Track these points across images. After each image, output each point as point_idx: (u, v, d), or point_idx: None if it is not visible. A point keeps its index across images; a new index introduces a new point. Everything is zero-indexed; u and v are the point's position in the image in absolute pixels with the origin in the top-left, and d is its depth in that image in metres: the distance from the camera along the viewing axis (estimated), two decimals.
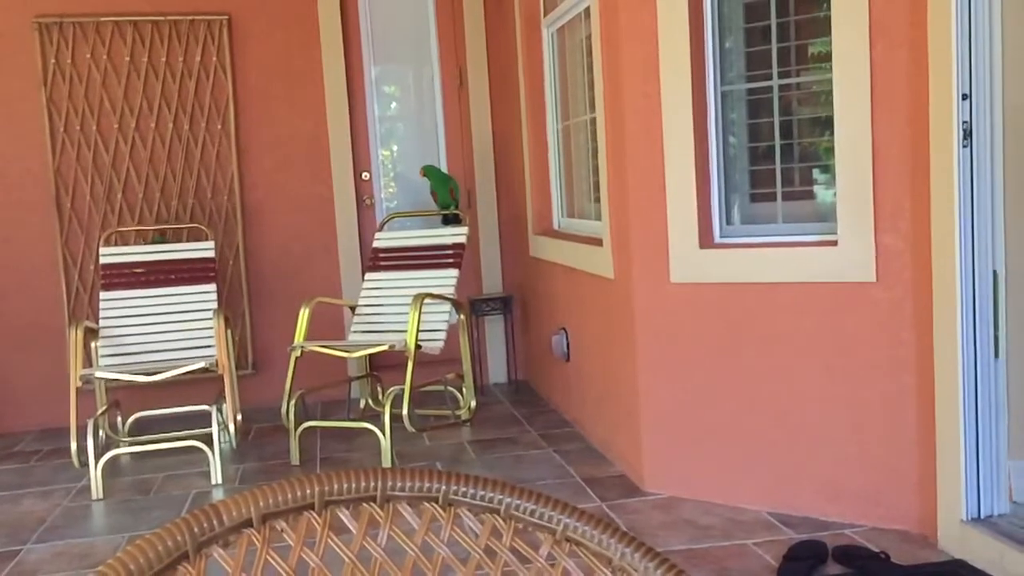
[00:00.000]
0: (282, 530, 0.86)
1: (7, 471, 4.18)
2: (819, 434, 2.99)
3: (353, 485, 0.89)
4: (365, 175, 5.25)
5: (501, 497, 0.92)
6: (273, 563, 0.84)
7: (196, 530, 0.82)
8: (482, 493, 0.92)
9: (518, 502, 0.92)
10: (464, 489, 0.92)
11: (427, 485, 0.91)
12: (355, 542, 0.88)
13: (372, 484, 0.89)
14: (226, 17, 4.93)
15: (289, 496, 0.86)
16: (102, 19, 4.80)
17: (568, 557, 0.92)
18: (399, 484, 0.90)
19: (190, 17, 4.89)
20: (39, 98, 4.78)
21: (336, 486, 0.88)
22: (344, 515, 0.89)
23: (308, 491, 0.87)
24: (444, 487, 0.91)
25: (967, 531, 2.58)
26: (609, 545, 0.91)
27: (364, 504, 0.89)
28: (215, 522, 0.83)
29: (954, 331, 2.57)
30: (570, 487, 3.49)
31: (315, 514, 0.87)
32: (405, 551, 0.90)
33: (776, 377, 3.06)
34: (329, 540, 0.87)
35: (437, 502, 0.91)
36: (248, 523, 0.84)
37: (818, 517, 3.00)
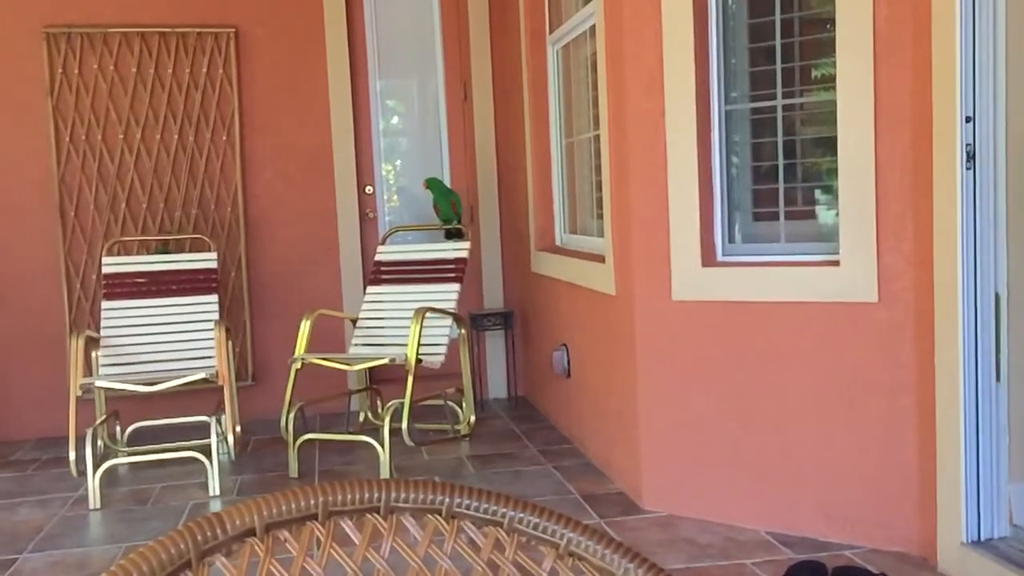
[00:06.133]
0: (285, 540, 0.86)
1: (4, 479, 4.17)
2: (819, 454, 2.98)
3: (357, 496, 0.89)
4: (368, 188, 5.26)
5: (504, 510, 0.92)
6: (276, 573, 0.83)
7: (199, 538, 0.82)
8: (485, 506, 0.92)
9: (521, 515, 0.92)
10: (467, 502, 0.92)
11: (431, 497, 0.91)
12: (358, 553, 0.88)
13: (376, 495, 0.89)
14: (233, 30, 4.96)
15: (293, 506, 0.86)
16: (110, 30, 4.83)
17: (571, 571, 0.92)
18: (403, 495, 0.90)
19: (197, 29, 4.91)
20: (45, 107, 4.80)
21: (340, 497, 0.88)
22: (347, 526, 0.89)
23: (312, 501, 0.87)
24: (448, 499, 0.91)
25: (967, 554, 2.57)
26: (612, 560, 0.91)
27: (367, 515, 0.89)
28: (218, 531, 0.83)
29: (956, 353, 2.57)
30: (568, 503, 3.48)
31: (318, 524, 0.87)
32: (408, 563, 0.90)
33: (777, 396, 3.06)
34: (332, 551, 0.87)
35: (440, 514, 0.91)
36: (251, 532, 0.84)
37: (817, 537, 2.99)
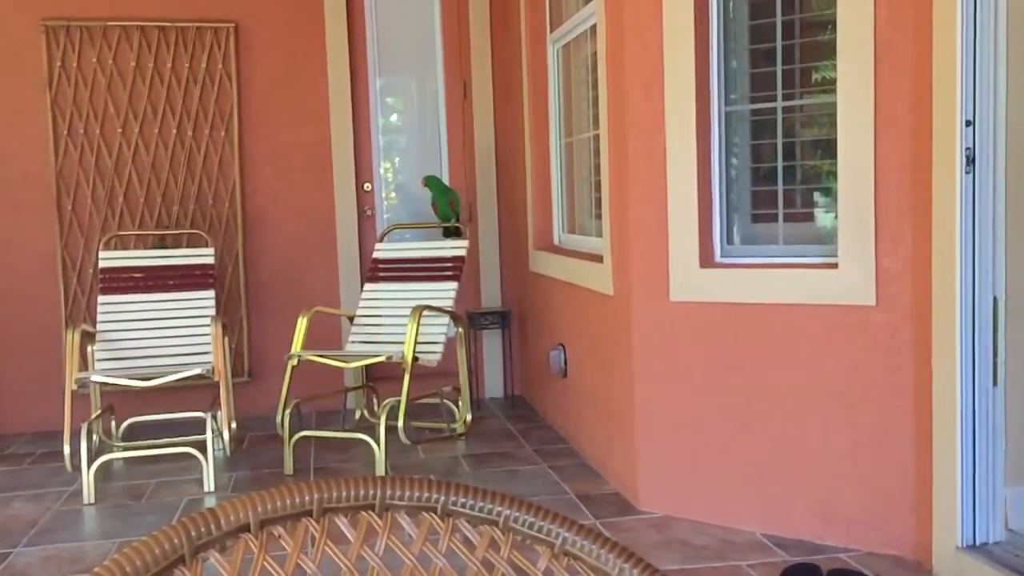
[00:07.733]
0: (279, 536, 0.86)
1: None
2: (815, 456, 2.98)
3: (352, 493, 0.88)
4: (367, 186, 5.26)
5: (500, 509, 0.92)
6: (270, 569, 0.83)
7: (193, 534, 0.81)
8: (481, 504, 0.92)
9: (517, 514, 0.92)
10: (463, 500, 0.91)
11: (426, 495, 0.91)
12: (352, 551, 0.88)
13: (371, 492, 0.89)
14: (233, 25, 4.95)
15: (288, 502, 0.86)
16: (109, 23, 4.82)
17: (566, 571, 0.91)
18: (398, 493, 0.90)
19: (197, 24, 4.90)
20: (43, 100, 4.79)
21: (335, 493, 0.88)
22: (342, 523, 0.88)
23: (307, 497, 0.86)
24: (443, 497, 0.91)
25: (962, 558, 2.57)
26: (607, 560, 0.90)
27: (362, 512, 0.89)
28: (212, 526, 0.82)
29: (953, 357, 2.57)
30: (564, 504, 3.47)
31: (313, 521, 0.87)
32: (402, 561, 0.90)
33: (773, 398, 3.05)
34: (326, 548, 0.86)
35: (436, 512, 0.91)
36: (246, 528, 0.84)
37: (812, 540, 2.99)
